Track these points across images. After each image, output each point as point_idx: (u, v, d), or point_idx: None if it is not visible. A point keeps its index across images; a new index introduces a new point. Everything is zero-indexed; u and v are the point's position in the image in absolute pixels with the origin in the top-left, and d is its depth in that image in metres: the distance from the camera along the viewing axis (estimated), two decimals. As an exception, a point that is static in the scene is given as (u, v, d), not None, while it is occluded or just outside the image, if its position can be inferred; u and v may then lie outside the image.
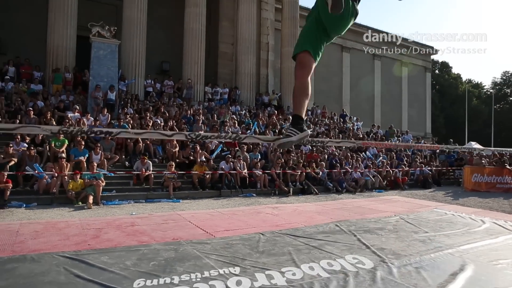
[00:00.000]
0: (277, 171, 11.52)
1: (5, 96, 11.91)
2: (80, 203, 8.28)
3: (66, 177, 8.70)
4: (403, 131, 22.75)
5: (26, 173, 8.72)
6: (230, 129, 13.48)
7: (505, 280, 3.73)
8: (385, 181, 13.74)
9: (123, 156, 10.88)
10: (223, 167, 10.98)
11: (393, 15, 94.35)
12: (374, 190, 13.04)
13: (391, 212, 7.93)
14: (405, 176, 14.47)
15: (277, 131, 14.82)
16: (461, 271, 3.85)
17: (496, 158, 15.61)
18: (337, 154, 14.25)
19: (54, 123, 10.79)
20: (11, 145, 9.02)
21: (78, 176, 8.68)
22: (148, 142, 11.28)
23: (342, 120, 20.43)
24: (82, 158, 9.52)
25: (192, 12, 16.92)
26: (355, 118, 21.16)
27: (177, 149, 11.43)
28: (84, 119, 11.25)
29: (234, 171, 11.00)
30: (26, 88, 13.02)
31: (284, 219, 6.91)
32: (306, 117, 18.08)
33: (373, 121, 25.46)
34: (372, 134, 19.40)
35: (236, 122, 14.52)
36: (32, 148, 9.17)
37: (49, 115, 11.04)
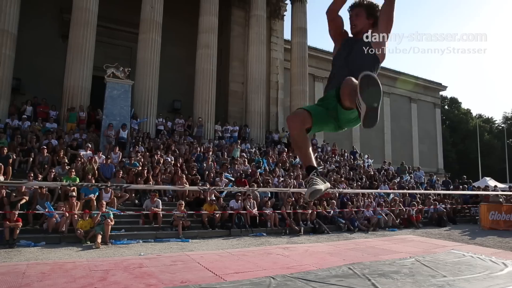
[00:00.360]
0: (288, 210, 11.35)
1: (20, 134, 12.20)
2: (88, 242, 8.19)
3: (76, 216, 8.69)
4: (415, 167, 22.46)
5: (37, 212, 8.72)
6: (240, 167, 13.47)
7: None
8: (398, 219, 13.38)
9: (133, 195, 10.87)
10: (233, 206, 10.87)
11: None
12: (387, 228, 12.68)
13: (406, 253, 7.66)
14: (419, 214, 14.10)
15: (287, 168, 14.76)
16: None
17: (514, 195, 15.18)
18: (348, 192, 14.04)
19: (67, 161, 10.94)
20: (23, 183, 9.11)
21: (87, 215, 8.66)
22: (158, 180, 11.29)
23: (352, 157, 20.29)
24: (92, 196, 9.54)
25: (203, 53, 17.48)
26: (366, 156, 20.99)
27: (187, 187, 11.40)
28: (96, 157, 11.39)
29: (244, 211, 10.87)
30: (41, 126, 13.35)
31: (295, 260, 6.71)
32: (316, 154, 18.04)
33: (384, 158, 25.27)
34: (383, 170, 19.16)
35: (246, 160, 14.53)
36: (44, 186, 9.23)
37: (62, 153, 11.21)
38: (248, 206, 10.96)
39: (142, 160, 12.11)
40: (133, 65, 15.94)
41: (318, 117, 2.24)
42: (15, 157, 10.71)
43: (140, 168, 11.48)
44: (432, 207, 14.67)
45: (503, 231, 12.52)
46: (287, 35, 22.37)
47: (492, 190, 16.38)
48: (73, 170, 10.19)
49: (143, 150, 13.15)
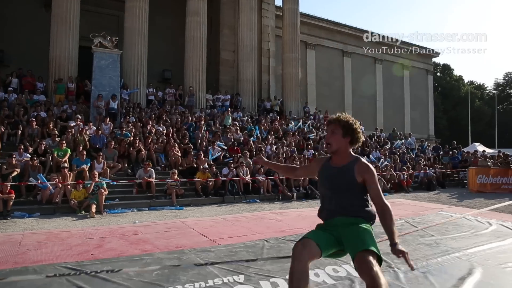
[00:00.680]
0: (280, 177, 11.46)
1: (7, 107, 11.97)
2: (83, 212, 8.25)
3: (69, 187, 8.70)
4: (406, 133, 22.64)
5: (29, 183, 8.71)
6: (232, 135, 13.45)
7: (514, 283, 3.66)
8: (389, 184, 13.63)
9: (126, 165, 10.86)
10: (226, 173, 10.95)
11: (393, 16, 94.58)
12: (378, 193, 12.89)
13: (396, 215, 7.83)
14: (409, 179, 14.37)
15: (279, 136, 14.77)
16: (469, 275, 3.78)
17: (501, 159, 15.48)
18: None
19: (57, 132, 10.82)
20: (14, 155, 9.04)
21: (81, 186, 8.67)
22: (151, 149, 11.27)
23: (344, 124, 20.29)
24: (84, 167, 9.51)
25: (193, 21, 17.01)
26: (358, 122, 21.01)
27: (179, 156, 11.41)
28: (86, 128, 11.26)
29: (237, 178, 10.96)
30: (29, 98, 13.09)
31: (288, 224, 6.85)
32: (309, 121, 18.00)
33: (375, 125, 25.38)
34: (375, 137, 19.31)
35: (239, 128, 14.50)
36: (35, 158, 9.17)
37: (51, 125, 11.07)
38: (241, 173, 11.05)
39: (134, 130, 12.02)
40: (120, 35, 15.45)
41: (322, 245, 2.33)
42: (3, 130, 10.56)
43: (132, 138, 11.41)
44: (422, 171, 14.94)
45: (489, 194, 12.87)
46: (278, 1, 21.82)
47: (481, 155, 16.64)
48: (64, 141, 10.10)
49: (134, 120, 13.03)
